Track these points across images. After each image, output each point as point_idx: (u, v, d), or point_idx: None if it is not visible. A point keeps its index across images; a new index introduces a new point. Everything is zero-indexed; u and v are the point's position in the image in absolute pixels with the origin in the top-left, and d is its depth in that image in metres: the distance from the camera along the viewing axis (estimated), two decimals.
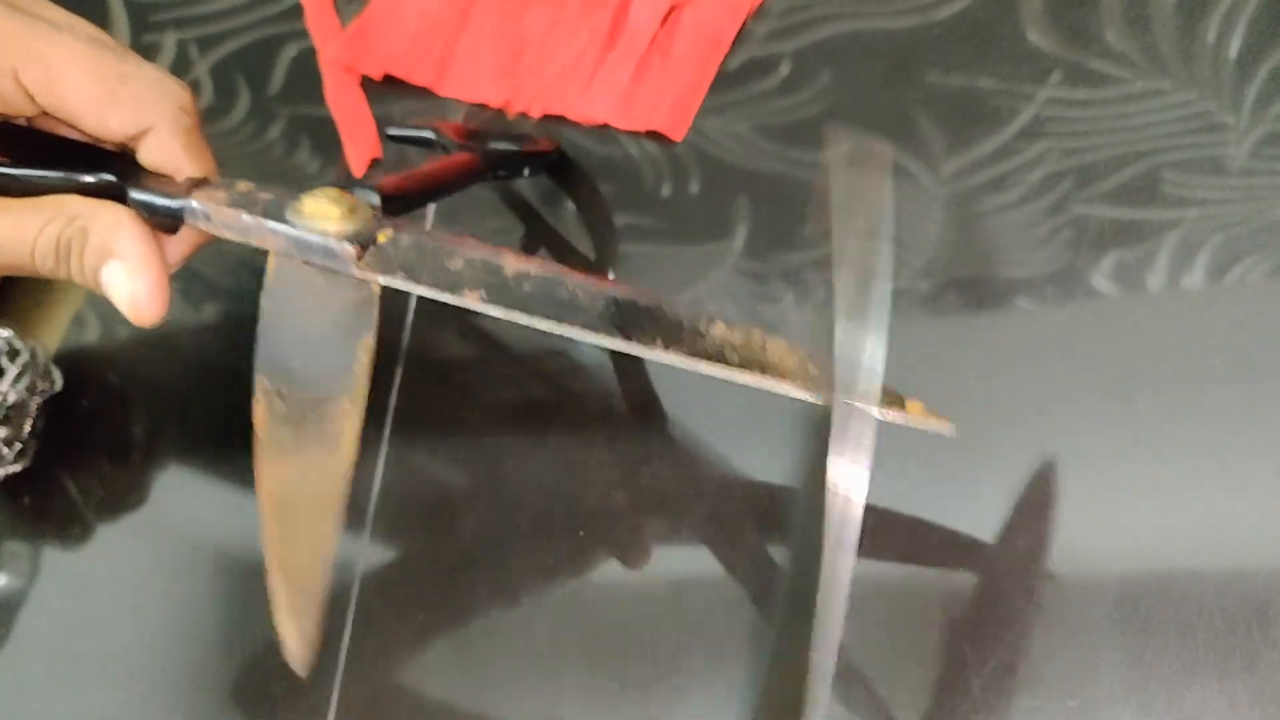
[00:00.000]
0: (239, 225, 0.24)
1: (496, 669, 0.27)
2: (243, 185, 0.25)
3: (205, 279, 0.36)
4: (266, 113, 0.38)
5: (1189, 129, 0.28)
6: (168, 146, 0.25)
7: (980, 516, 0.25)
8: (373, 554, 0.30)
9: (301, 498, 0.22)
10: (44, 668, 0.32)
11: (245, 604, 0.31)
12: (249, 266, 0.36)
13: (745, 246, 0.30)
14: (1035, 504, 0.25)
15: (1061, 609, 0.24)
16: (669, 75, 0.33)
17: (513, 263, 0.23)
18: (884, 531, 0.25)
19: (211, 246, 0.26)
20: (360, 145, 0.36)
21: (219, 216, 0.24)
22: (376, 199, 0.24)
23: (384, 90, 0.37)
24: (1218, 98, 0.28)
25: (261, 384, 0.23)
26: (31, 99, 0.24)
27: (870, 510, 0.19)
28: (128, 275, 0.24)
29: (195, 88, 0.39)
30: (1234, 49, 0.29)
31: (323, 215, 0.23)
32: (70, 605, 0.32)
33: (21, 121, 0.25)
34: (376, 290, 0.23)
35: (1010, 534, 0.25)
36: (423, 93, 0.36)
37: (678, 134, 0.33)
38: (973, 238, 0.28)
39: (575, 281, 0.22)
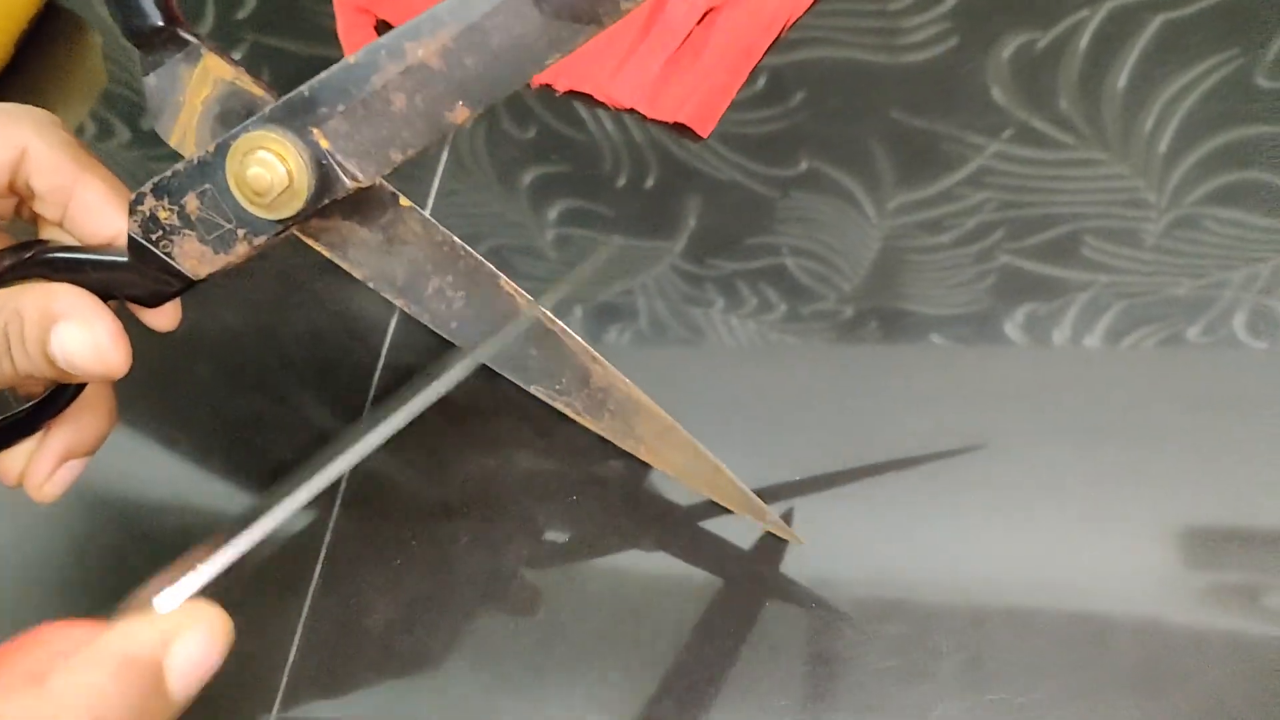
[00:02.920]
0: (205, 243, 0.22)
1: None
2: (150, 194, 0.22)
3: None
4: (230, 37, 0.38)
5: (1116, 200, 0.31)
6: (51, 160, 0.22)
7: (859, 543, 0.28)
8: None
9: None
10: None
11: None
12: None
13: (686, 248, 0.31)
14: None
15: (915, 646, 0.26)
16: (699, 74, 0.34)
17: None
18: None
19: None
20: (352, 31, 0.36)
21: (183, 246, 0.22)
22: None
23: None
24: (1145, 177, 0.31)
25: None
26: None
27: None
28: (81, 326, 0.22)
29: None
30: (1166, 137, 0.31)
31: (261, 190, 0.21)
32: None
33: None
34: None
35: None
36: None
37: (705, 130, 0.33)
38: (902, 272, 0.30)
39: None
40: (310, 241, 0.23)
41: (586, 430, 0.25)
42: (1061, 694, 0.25)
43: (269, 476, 0.32)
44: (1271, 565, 0.26)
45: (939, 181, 0.31)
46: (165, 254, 0.22)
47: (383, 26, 0.37)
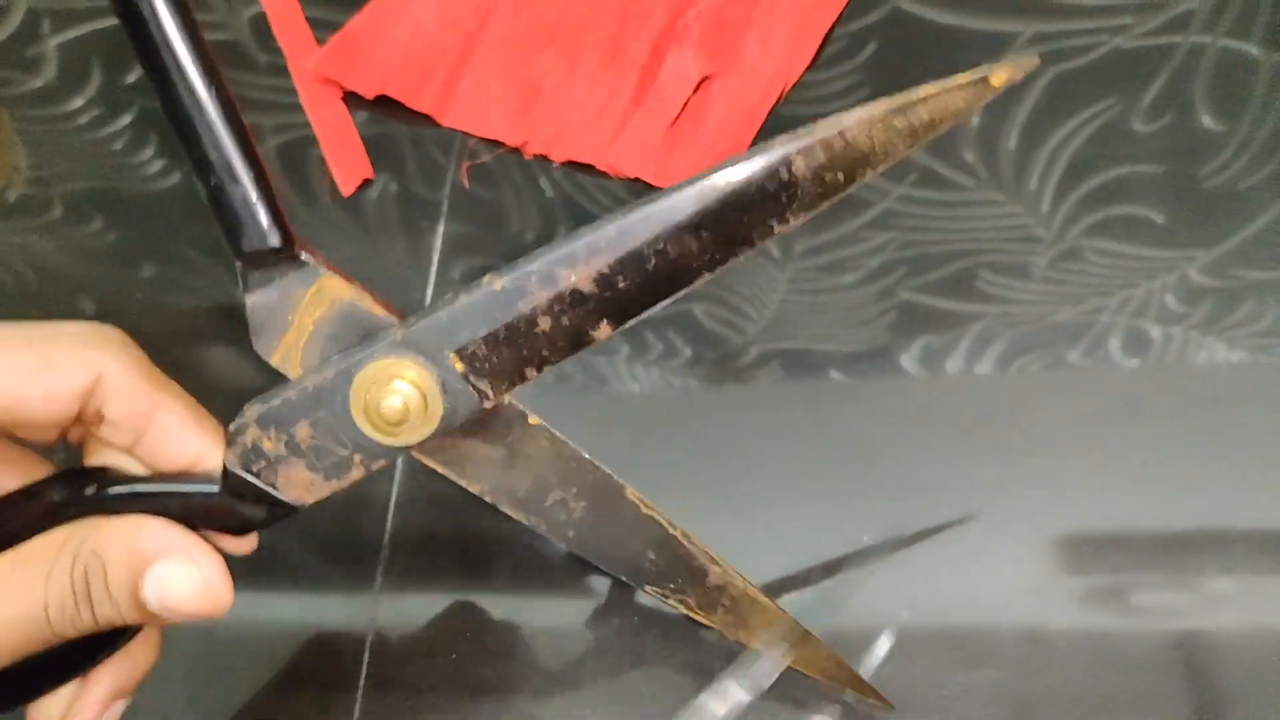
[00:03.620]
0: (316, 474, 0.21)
1: None
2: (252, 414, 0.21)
3: None
4: (116, 101, 0.38)
5: (1009, 237, 0.34)
6: (128, 384, 0.20)
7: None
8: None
9: None
10: None
11: None
12: None
13: None
14: None
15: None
16: (704, 143, 0.35)
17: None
18: None
19: None
20: (347, 164, 0.36)
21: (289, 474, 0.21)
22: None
23: (379, 111, 0.37)
24: (1035, 214, 0.34)
25: None
26: None
27: None
28: (183, 566, 0.20)
29: (36, 65, 0.38)
30: (1055, 176, 0.34)
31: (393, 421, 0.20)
32: None
33: None
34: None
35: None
36: (424, 120, 0.37)
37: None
38: (806, 313, 0.33)
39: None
40: (427, 460, 0.22)
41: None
42: (938, 701, 0.28)
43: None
44: (1141, 566, 0.28)
45: (845, 225, 0.34)
46: (267, 484, 0.21)
47: (351, 97, 0.37)
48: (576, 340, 0.20)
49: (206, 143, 0.20)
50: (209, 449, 0.21)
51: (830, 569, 0.29)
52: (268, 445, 0.21)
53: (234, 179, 0.20)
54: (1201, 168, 0.33)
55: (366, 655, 0.28)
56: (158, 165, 0.38)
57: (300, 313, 0.21)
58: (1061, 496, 0.29)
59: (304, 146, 0.37)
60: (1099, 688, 0.27)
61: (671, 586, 0.23)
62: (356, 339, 0.21)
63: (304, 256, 0.21)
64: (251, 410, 0.21)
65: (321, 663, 0.29)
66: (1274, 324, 0.31)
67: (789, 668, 0.26)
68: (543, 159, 0.36)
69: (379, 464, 0.21)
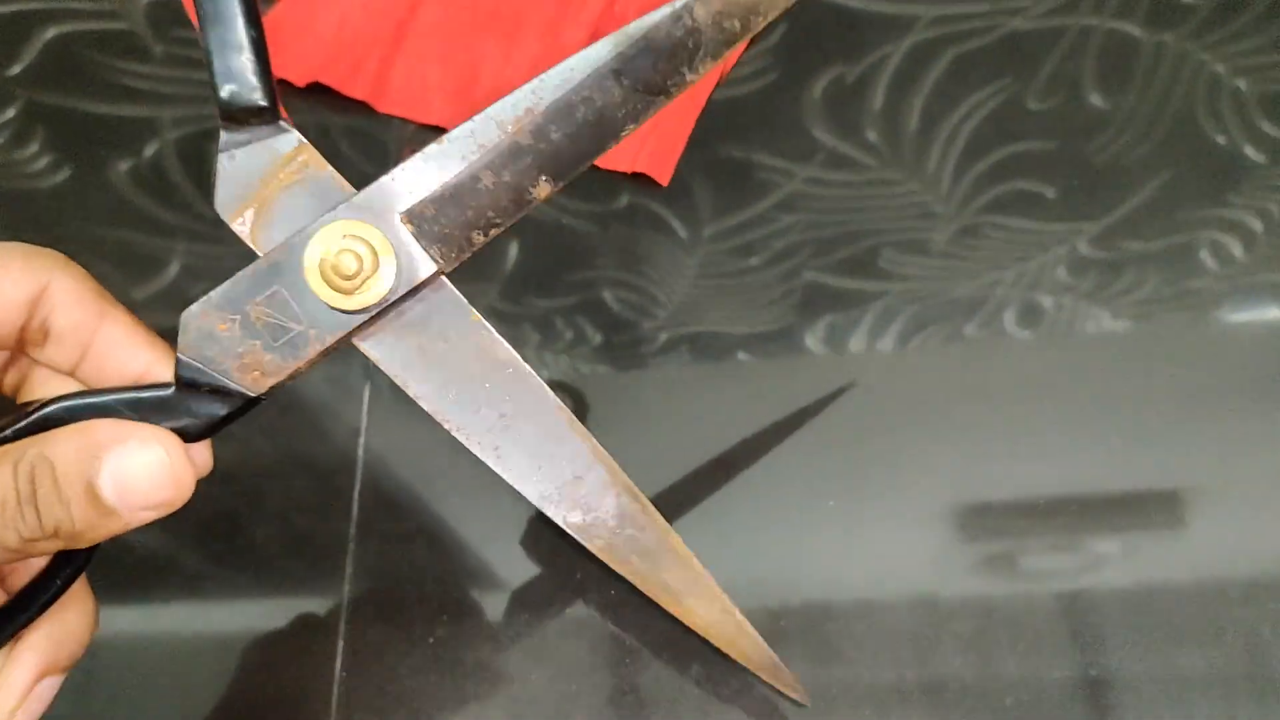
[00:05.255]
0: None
1: None
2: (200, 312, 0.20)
3: None
4: (1, 94, 0.38)
5: (909, 215, 0.35)
6: (74, 294, 0.21)
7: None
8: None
9: None
10: None
11: None
12: None
13: (504, 289, 0.34)
14: None
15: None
16: (641, 130, 0.34)
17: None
18: None
19: None
20: None
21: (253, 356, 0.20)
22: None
23: (314, 99, 0.37)
24: (934, 191, 0.35)
25: None
26: None
27: None
28: (142, 447, 0.19)
29: None
30: (954, 155, 0.35)
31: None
32: None
33: None
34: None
35: None
36: (360, 106, 0.36)
37: (664, 178, 0.35)
38: (714, 295, 0.34)
39: None
40: (370, 350, 0.22)
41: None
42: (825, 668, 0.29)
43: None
44: (1030, 531, 0.30)
45: (752, 207, 0.35)
46: (220, 373, 0.20)
47: (282, 85, 0.36)
48: (518, 199, 0.21)
49: (212, 6, 0.21)
50: (156, 362, 0.21)
51: (733, 544, 0.30)
52: (221, 328, 0.20)
53: (232, 37, 0.20)
54: (1090, 144, 0.35)
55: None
56: (43, 161, 0.37)
57: (267, 179, 0.21)
58: (957, 466, 0.31)
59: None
60: (991, 650, 0.28)
61: (591, 517, 0.23)
62: (316, 211, 0.21)
63: (283, 123, 0.21)
64: (204, 299, 0.21)
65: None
66: (1154, 291, 0.32)
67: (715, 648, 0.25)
68: None
69: (333, 338, 0.21)
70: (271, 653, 0.29)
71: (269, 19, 0.38)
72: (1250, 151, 0.34)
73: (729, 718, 0.27)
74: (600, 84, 0.21)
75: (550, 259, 0.34)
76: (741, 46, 0.21)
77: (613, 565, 0.24)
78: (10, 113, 0.38)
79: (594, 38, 0.37)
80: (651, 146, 0.35)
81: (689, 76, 0.21)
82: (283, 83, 0.37)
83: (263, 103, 0.20)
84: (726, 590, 0.25)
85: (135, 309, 0.34)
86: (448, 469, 0.31)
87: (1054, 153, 0.35)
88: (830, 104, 0.37)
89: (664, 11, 0.21)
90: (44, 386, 0.22)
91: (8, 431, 0.20)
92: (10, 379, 0.22)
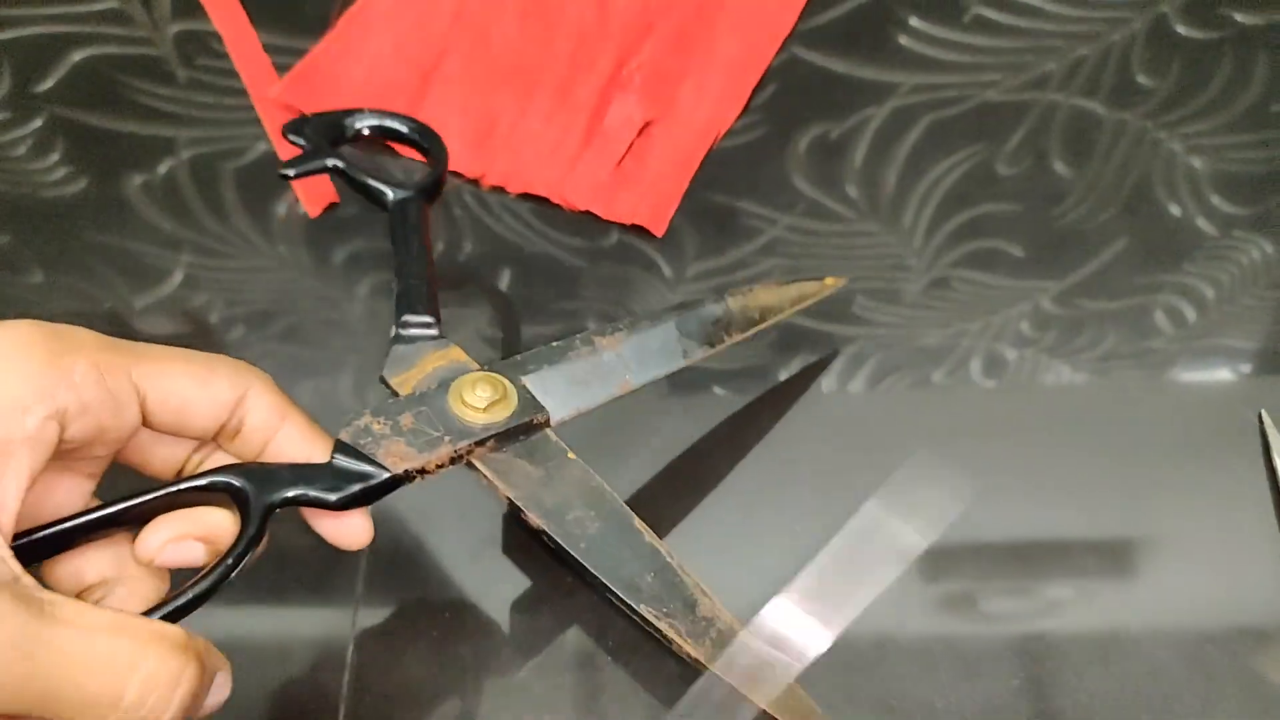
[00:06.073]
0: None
1: None
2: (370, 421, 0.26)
3: None
4: (26, 107, 0.39)
5: (884, 265, 0.36)
6: (267, 400, 0.25)
7: None
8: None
9: None
10: None
11: None
12: None
13: (493, 314, 0.35)
14: None
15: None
16: (647, 182, 0.37)
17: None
18: None
19: None
20: (313, 187, 0.37)
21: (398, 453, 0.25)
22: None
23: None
24: (908, 245, 0.37)
25: None
26: (137, 396, 0.23)
27: None
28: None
29: None
30: (928, 212, 0.37)
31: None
32: None
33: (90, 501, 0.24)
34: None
35: None
36: (385, 149, 0.38)
37: (659, 229, 0.37)
38: None
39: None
40: (483, 468, 0.27)
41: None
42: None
43: None
44: (989, 573, 0.31)
45: (735, 250, 0.37)
46: (369, 454, 0.25)
47: None
48: (608, 388, 0.29)
49: (405, 266, 0.30)
50: (319, 455, 0.25)
51: (695, 568, 0.31)
52: (376, 427, 0.26)
53: (410, 267, 0.30)
54: (1054, 209, 0.37)
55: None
56: (61, 173, 0.39)
57: (424, 360, 0.28)
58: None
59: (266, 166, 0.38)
60: (950, 688, 0.29)
61: (665, 610, 0.26)
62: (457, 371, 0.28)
63: (446, 339, 0.29)
64: (368, 409, 0.26)
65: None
66: (1112, 348, 0.34)
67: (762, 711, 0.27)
68: (499, 190, 0.38)
69: (462, 446, 0.26)
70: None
71: (307, 61, 0.40)
72: (1203, 223, 0.37)
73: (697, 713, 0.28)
74: (666, 334, 0.30)
75: (540, 288, 0.36)
76: (761, 328, 0.32)
77: (686, 648, 0.26)
78: (35, 124, 0.39)
79: (603, 99, 0.40)
80: (650, 200, 0.37)
81: (726, 340, 0.31)
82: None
83: (434, 333, 0.29)
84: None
85: (137, 316, 0.36)
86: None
87: (1021, 215, 0.37)
88: (814, 159, 0.39)
89: (710, 304, 0.31)
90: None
91: (180, 488, 0.23)
92: (190, 463, 0.26)
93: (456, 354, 0.28)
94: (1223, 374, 0.34)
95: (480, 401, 0.27)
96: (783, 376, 0.34)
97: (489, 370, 0.28)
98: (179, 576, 0.23)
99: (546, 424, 0.28)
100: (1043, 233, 0.37)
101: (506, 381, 0.27)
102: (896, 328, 0.35)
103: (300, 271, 0.37)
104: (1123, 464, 0.32)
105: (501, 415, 0.27)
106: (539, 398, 0.28)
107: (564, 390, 0.28)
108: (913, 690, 0.29)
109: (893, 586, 0.30)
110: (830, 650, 0.29)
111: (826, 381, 0.34)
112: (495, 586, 0.30)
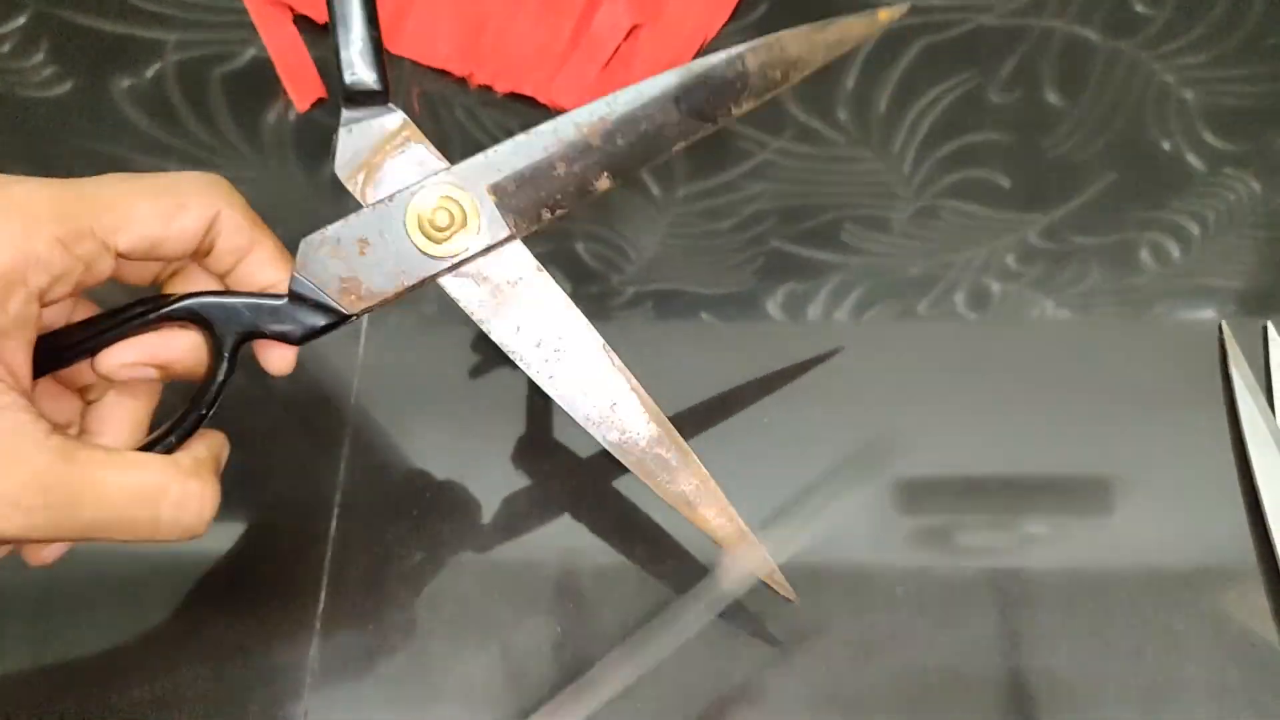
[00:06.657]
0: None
1: None
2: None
3: None
4: (9, 2, 0.38)
5: (873, 192, 0.36)
6: (237, 222, 0.25)
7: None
8: None
9: None
10: None
11: None
12: None
13: None
14: None
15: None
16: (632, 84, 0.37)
17: None
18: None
19: None
20: (300, 84, 0.37)
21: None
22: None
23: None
24: (898, 173, 0.36)
25: None
26: (108, 250, 0.24)
27: None
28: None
29: None
30: (918, 139, 0.36)
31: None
32: None
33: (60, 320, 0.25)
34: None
35: None
36: None
37: None
38: (682, 255, 0.34)
39: None
40: (450, 289, 0.26)
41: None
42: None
43: None
44: (966, 508, 0.31)
45: (725, 173, 0.36)
46: (325, 292, 0.25)
47: (301, 20, 0.38)
48: (582, 188, 0.26)
49: (340, 9, 0.26)
50: (283, 280, 0.26)
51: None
52: (331, 260, 0.25)
53: (355, 35, 0.26)
54: (1045, 139, 0.36)
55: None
56: (47, 71, 0.37)
57: (376, 149, 0.26)
58: (899, 441, 0.32)
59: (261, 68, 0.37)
60: (919, 622, 0.30)
61: (626, 437, 0.26)
62: (414, 176, 0.26)
63: (391, 106, 0.26)
64: (320, 232, 0.25)
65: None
66: (1095, 284, 0.34)
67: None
68: (486, 89, 0.38)
69: (416, 281, 0.25)
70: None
71: None
72: (1192, 159, 0.37)
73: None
74: (663, 106, 0.26)
75: None
76: (779, 92, 0.27)
77: (641, 478, 0.27)
78: (20, 20, 0.38)
79: (591, 2, 0.39)
80: None
81: (733, 111, 0.26)
82: (303, 19, 0.38)
83: (376, 88, 0.25)
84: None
85: None
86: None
87: (1011, 145, 0.36)
88: (805, 81, 0.38)
89: (722, 56, 0.26)
90: (191, 283, 0.26)
91: (152, 315, 0.25)
92: (165, 271, 0.27)
93: (409, 132, 0.26)
94: (1206, 314, 0.34)
95: (443, 224, 0.25)
96: (768, 306, 0.34)
97: (449, 176, 0.25)
98: (163, 414, 0.26)
99: (514, 238, 0.26)
100: (1032, 164, 0.36)
101: (468, 200, 0.25)
102: (884, 256, 0.35)
103: (288, 181, 0.36)
104: (1103, 402, 0.33)
105: (464, 243, 0.25)
106: (504, 213, 0.26)
107: (532, 195, 0.26)
108: (882, 622, 0.29)
109: (865, 518, 0.31)
110: (808, 581, 0.29)
111: (813, 309, 0.34)
112: (475, 466, 0.31)
